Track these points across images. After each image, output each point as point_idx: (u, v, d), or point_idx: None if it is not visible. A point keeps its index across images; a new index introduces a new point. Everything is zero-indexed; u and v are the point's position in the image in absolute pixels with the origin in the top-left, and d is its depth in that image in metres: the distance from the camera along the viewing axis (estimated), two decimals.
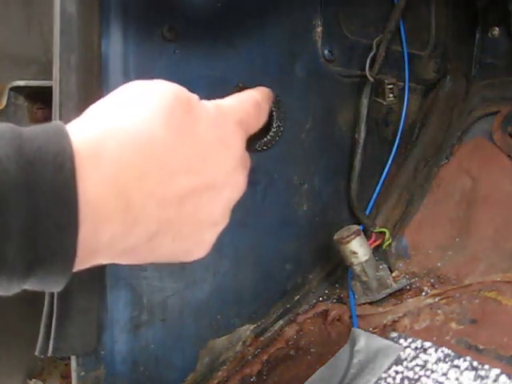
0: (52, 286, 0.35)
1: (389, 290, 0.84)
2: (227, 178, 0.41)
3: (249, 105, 0.47)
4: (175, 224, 0.39)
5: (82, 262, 0.35)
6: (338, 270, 0.93)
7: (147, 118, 0.37)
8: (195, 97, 0.42)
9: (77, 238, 0.33)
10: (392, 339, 0.76)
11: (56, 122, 0.35)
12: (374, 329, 0.80)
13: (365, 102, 0.89)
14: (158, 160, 0.36)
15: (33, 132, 0.33)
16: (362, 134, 0.90)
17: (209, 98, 0.80)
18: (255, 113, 0.47)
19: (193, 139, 0.39)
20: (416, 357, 0.72)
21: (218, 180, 0.41)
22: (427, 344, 0.73)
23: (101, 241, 0.35)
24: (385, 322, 0.80)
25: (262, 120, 0.49)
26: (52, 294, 0.60)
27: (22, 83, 0.80)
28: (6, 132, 0.32)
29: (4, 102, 0.80)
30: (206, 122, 0.41)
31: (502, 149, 0.90)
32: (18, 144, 0.32)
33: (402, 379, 0.70)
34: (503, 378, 0.64)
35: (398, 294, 0.84)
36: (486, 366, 0.66)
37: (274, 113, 0.82)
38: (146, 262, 0.41)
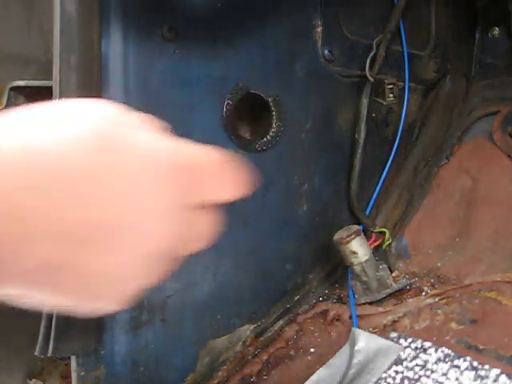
0: None
1: (389, 290, 0.84)
2: (143, 226, 0.35)
3: (210, 158, 0.39)
4: (71, 260, 0.33)
5: None
6: (337, 269, 0.93)
7: (63, 139, 0.33)
8: (130, 120, 0.37)
9: None
10: (392, 339, 0.76)
11: None
12: (373, 329, 0.80)
13: (365, 102, 0.89)
14: (60, 182, 0.32)
15: None
16: (362, 134, 0.90)
17: (209, 98, 0.80)
18: (216, 173, 0.39)
19: (112, 173, 0.34)
20: (416, 357, 0.72)
21: (123, 226, 0.34)
22: (427, 344, 0.73)
23: None
24: (385, 322, 0.80)
25: (230, 189, 0.40)
26: None
27: (21, 83, 0.80)
28: None
29: (4, 102, 0.80)
30: (129, 156, 0.35)
31: (502, 149, 0.90)
32: None
33: (402, 379, 0.70)
34: (503, 378, 0.64)
35: (397, 294, 0.84)
36: (486, 366, 0.66)
37: (274, 113, 0.82)
38: (55, 303, 0.36)
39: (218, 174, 0.39)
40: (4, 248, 0.31)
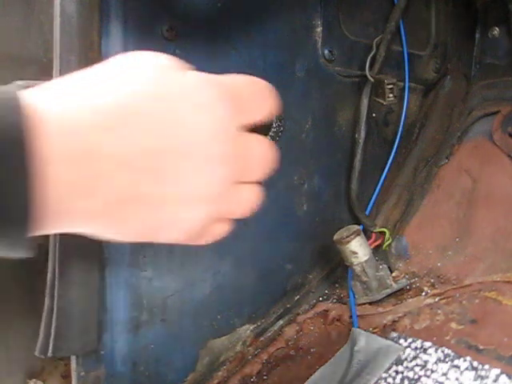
0: (11, 251, 0.34)
1: (389, 290, 0.84)
2: (200, 149, 0.38)
3: (249, 86, 0.44)
4: (141, 190, 0.36)
5: (42, 225, 0.33)
6: (337, 270, 0.93)
7: (121, 83, 0.37)
8: (175, 65, 0.41)
9: (31, 191, 0.31)
10: (392, 339, 0.76)
11: (8, 88, 0.35)
12: (374, 329, 0.80)
13: (365, 101, 0.89)
14: (125, 116, 0.35)
15: None
16: (362, 134, 0.90)
17: None
18: (256, 97, 0.44)
19: (168, 105, 0.37)
20: (416, 357, 0.72)
21: (188, 149, 0.37)
22: (427, 344, 0.73)
23: (60, 194, 0.33)
24: (385, 322, 0.80)
25: (268, 107, 0.44)
26: (52, 294, 0.60)
27: (22, 83, 0.80)
28: None
29: None
30: (185, 89, 0.39)
31: (502, 149, 0.90)
32: None
33: (402, 379, 0.70)
34: (503, 378, 0.64)
35: (398, 294, 0.84)
36: (486, 366, 0.66)
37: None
38: (118, 237, 0.39)
39: (257, 96, 0.44)
40: (83, 184, 0.34)
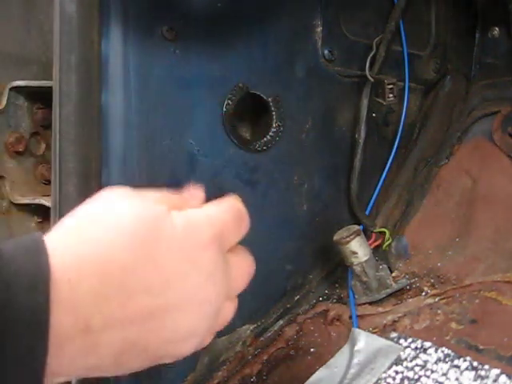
0: None
1: (389, 290, 0.84)
2: (194, 296, 0.41)
3: (228, 216, 0.46)
4: (140, 342, 0.39)
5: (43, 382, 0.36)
6: (337, 270, 0.93)
7: (108, 240, 0.38)
8: (162, 213, 0.41)
9: (45, 360, 0.33)
10: (392, 339, 0.76)
11: (35, 238, 0.37)
12: (373, 329, 0.80)
13: (365, 101, 0.89)
14: (117, 283, 0.37)
15: (13, 252, 0.35)
16: (362, 134, 0.90)
17: (209, 98, 0.80)
18: (235, 224, 0.47)
19: (155, 260, 0.39)
20: (416, 357, 0.72)
21: (183, 300, 0.40)
22: (427, 344, 0.73)
23: (62, 362, 0.35)
24: (385, 322, 0.80)
25: (244, 231, 0.49)
26: None
27: (22, 83, 0.80)
28: None
29: (4, 102, 0.80)
30: (171, 242, 0.40)
31: (502, 149, 0.90)
32: None
33: (402, 379, 0.70)
34: (503, 378, 0.64)
35: (398, 294, 0.84)
36: (486, 366, 0.66)
37: (274, 113, 0.82)
38: (116, 374, 0.41)
39: (237, 222, 0.48)
40: (73, 350, 0.36)
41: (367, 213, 0.94)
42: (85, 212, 0.41)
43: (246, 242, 0.84)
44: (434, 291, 0.82)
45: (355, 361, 0.74)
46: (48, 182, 0.85)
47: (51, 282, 0.34)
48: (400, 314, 0.80)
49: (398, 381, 0.70)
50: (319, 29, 0.85)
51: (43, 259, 0.35)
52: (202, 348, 0.47)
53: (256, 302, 0.85)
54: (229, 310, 0.48)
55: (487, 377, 0.65)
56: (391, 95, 0.88)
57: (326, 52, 0.86)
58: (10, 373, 0.32)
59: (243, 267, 0.50)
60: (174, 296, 0.40)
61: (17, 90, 0.81)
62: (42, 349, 0.33)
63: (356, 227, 0.84)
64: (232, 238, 0.47)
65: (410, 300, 0.82)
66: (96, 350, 0.37)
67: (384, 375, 0.71)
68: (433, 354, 0.71)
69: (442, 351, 0.71)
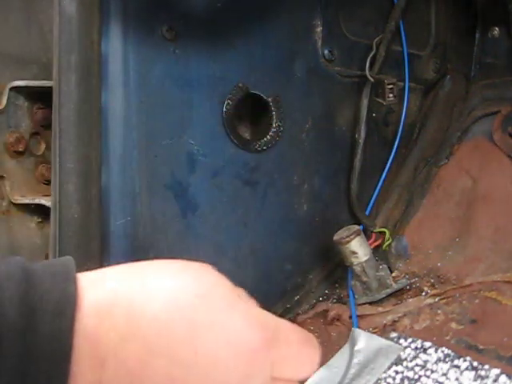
0: None
1: (389, 290, 0.84)
2: None
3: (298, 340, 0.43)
4: None
5: None
6: (337, 269, 0.93)
7: (167, 301, 0.37)
8: (230, 299, 0.41)
9: None
10: (392, 339, 0.76)
11: (66, 262, 0.36)
12: (373, 329, 0.80)
13: (365, 101, 0.89)
14: (141, 336, 0.35)
15: (41, 274, 0.34)
16: (362, 134, 0.90)
17: (209, 98, 0.80)
18: (301, 351, 0.43)
19: (192, 342, 0.36)
20: (416, 357, 0.72)
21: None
22: (427, 344, 0.73)
23: None
24: (385, 322, 0.80)
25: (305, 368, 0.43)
26: None
27: (22, 83, 0.80)
28: (16, 273, 0.33)
29: (4, 102, 0.80)
30: (228, 336, 0.38)
31: (502, 149, 0.90)
32: (24, 288, 0.32)
33: (402, 379, 0.70)
34: (503, 378, 0.64)
35: (398, 294, 0.84)
36: (486, 366, 0.66)
37: (274, 113, 0.82)
38: None
39: (298, 352, 0.42)
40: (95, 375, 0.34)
41: (367, 213, 0.94)
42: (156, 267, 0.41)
43: (246, 243, 0.84)
44: (434, 291, 0.82)
45: (355, 361, 0.74)
46: (48, 182, 0.84)
47: (77, 309, 0.33)
48: (400, 314, 0.80)
49: (398, 381, 0.70)
50: (319, 29, 0.85)
51: (71, 286, 0.34)
52: None
53: (256, 302, 0.85)
54: None
55: (487, 377, 0.65)
56: (391, 95, 0.88)
57: (326, 52, 0.86)
58: None
59: None
60: (202, 373, 0.37)
61: (17, 90, 0.81)
62: (61, 377, 0.33)
63: (356, 227, 0.84)
64: (288, 366, 0.41)
65: (410, 300, 0.82)
66: None
67: (384, 375, 0.71)
68: (433, 354, 0.71)
69: (442, 351, 0.71)
